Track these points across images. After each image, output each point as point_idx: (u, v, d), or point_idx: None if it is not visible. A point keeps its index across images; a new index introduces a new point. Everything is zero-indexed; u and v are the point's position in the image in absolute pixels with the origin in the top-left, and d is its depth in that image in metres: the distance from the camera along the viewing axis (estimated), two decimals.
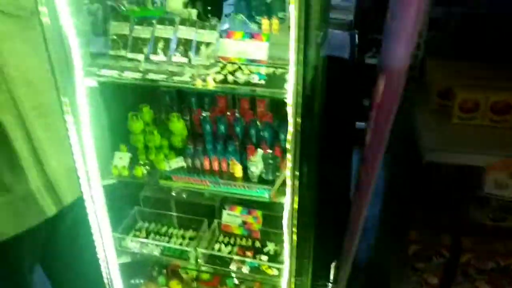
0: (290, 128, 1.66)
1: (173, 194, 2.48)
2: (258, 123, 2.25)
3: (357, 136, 3.02)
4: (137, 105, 2.31)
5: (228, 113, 2.34)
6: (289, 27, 1.86)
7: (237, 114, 2.30)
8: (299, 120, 1.59)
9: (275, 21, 1.88)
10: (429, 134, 2.03)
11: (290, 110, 1.63)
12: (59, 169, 1.86)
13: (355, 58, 3.09)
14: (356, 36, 3.24)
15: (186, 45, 1.92)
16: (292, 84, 1.55)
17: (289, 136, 1.68)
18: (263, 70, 1.81)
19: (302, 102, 1.56)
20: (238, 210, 2.44)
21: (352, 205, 2.20)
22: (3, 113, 1.62)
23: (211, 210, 2.49)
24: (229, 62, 1.84)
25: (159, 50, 1.93)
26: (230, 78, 1.76)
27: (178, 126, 2.21)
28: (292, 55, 1.51)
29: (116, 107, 2.23)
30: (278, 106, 2.32)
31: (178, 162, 2.14)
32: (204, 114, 2.32)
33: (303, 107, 1.58)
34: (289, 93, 1.59)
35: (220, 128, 2.26)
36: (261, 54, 1.87)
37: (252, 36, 1.88)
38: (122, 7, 2.06)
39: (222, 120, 2.27)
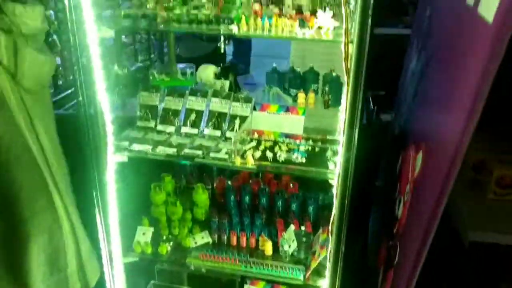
0: (335, 210, 1.58)
1: (192, 268, 2.33)
2: (284, 194, 2.17)
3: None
4: (158, 174, 2.21)
5: (250, 181, 2.26)
6: (325, 101, 1.84)
7: (261, 185, 2.22)
8: (348, 202, 1.51)
9: (311, 95, 1.85)
10: (466, 211, 1.96)
11: (335, 191, 1.55)
12: (88, 250, 1.73)
13: (371, 121, 3.08)
14: (370, 98, 3.25)
15: (219, 118, 1.86)
16: (340, 167, 1.49)
17: (332, 217, 1.60)
18: (302, 147, 1.75)
19: (350, 184, 1.49)
20: (260, 285, 2.29)
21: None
22: (43, 185, 1.55)
23: (231, 285, 2.34)
24: (265, 140, 1.77)
25: (190, 123, 1.87)
26: (269, 154, 1.69)
27: (202, 197, 2.11)
28: (341, 138, 1.46)
29: (136, 178, 2.13)
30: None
31: (203, 238, 2.02)
32: (227, 183, 2.24)
33: (350, 189, 1.51)
34: (336, 175, 1.52)
35: (245, 199, 2.17)
36: (297, 128, 1.82)
37: (287, 109, 1.83)
38: (151, 77, 2.01)
39: (247, 189, 2.18)
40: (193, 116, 1.87)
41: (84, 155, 1.65)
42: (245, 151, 1.71)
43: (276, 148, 1.73)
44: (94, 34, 1.47)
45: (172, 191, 2.17)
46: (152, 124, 1.90)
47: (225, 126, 1.84)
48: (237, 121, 1.83)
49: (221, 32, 1.51)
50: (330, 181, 1.56)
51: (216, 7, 1.68)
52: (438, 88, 1.81)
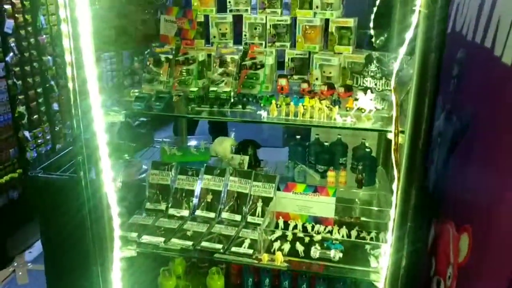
0: None
1: None
2: (308, 275, 1.94)
3: None
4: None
5: None
6: (358, 181, 1.64)
7: None
8: None
9: (342, 173, 1.66)
10: None
11: None
12: None
13: None
14: None
15: (239, 200, 1.65)
16: (388, 270, 1.28)
17: None
18: (335, 233, 1.54)
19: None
20: None
21: None
22: None
23: None
24: (294, 233, 1.55)
25: (206, 205, 1.66)
26: (299, 248, 1.47)
27: (217, 283, 1.87)
28: (390, 237, 1.25)
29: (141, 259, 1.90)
30: None
31: None
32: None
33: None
34: (383, 278, 1.30)
35: (265, 281, 1.93)
36: (328, 211, 1.61)
37: (316, 190, 1.64)
38: (162, 152, 1.81)
39: (266, 270, 1.95)
40: (209, 198, 1.67)
41: (87, 252, 1.43)
42: (271, 242, 1.50)
43: (307, 239, 1.51)
44: (101, 120, 1.28)
45: (183, 274, 1.94)
46: (163, 206, 1.69)
47: (245, 209, 1.64)
48: (260, 204, 1.63)
49: (248, 118, 1.32)
50: (374, 283, 1.34)
51: (236, 81, 1.50)
52: (493, 171, 1.62)
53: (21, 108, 2.88)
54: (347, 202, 1.69)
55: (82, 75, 1.25)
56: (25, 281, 2.84)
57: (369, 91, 1.30)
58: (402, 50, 1.12)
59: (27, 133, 2.99)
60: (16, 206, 2.92)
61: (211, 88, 1.47)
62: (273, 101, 1.30)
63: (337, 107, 1.28)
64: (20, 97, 2.83)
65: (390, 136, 1.20)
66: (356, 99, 1.32)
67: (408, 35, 1.10)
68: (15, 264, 2.90)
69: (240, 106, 1.37)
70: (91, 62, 1.24)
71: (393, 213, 1.24)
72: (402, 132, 1.17)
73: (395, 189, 1.21)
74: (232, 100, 1.43)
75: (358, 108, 1.31)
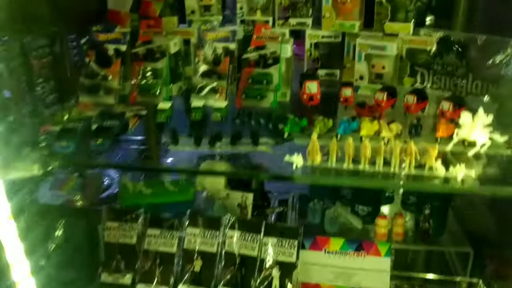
0: None
1: None
2: None
3: None
4: None
5: None
6: (423, 231, 1.09)
7: None
8: None
9: (399, 220, 1.09)
10: None
11: None
12: None
13: None
14: None
15: (243, 267, 1.08)
16: None
17: None
18: None
19: None
20: None
21: None
22: None
23: None
24: None
25: (191, 278, 1.08)
26: None
27: None
28: None
29: None
30: None
31: None
32: None
33: None
34: None
35: None
36: (379, 281, 1.06)
37: (360, 246, 1.07)
38: (122, 189, 1.21)
39: None
40: (197, 265, 1.09)
41: None
42: None
43: None
44: None
45: None
46: (126, 279, 1.10)
47: (254, 282, 1.06)
48: (276, 273, 1.06)
49: (266, 172, 0.72)
50: None
51: (233, 86, 0.90)
52: None
53: None
54: (404, 259, 1.14)
55: None
56: None
57: (481, 109, 0.71)
58: None
59: None
60: None
61: (194, 103, 0.86)
62: (314, 135, 0.70)
63: (436, 145, 0.69)
64: None
65: None
66: (454, 122, 0.74)
67: None
68: None
69: (249, 142, 0.77)
70: None
71: None
72: None
73: None
74: (230, 123, 0.83)
75: (464, 141, 0.73)
